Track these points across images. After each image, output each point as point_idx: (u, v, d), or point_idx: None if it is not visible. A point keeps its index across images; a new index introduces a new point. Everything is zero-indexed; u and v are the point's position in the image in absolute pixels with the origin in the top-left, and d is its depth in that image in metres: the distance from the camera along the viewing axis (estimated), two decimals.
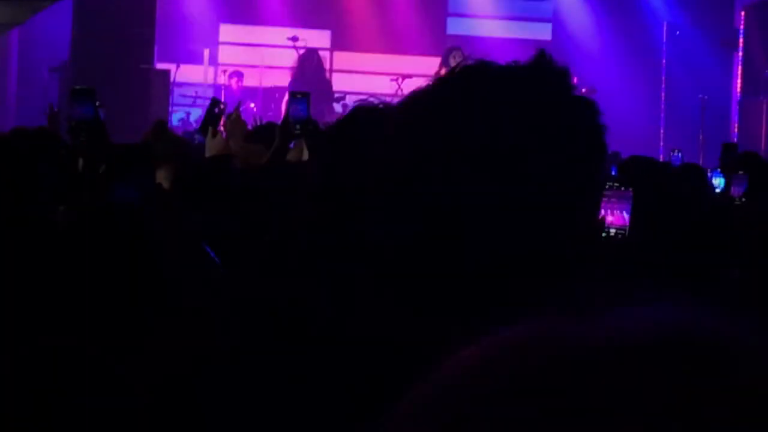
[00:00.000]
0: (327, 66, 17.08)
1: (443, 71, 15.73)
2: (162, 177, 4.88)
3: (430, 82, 1.42)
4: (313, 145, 5.05)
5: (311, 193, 2.09)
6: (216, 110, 6.84)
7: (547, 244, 1.34)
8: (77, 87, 5.95)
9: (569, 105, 1.39)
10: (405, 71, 16.42)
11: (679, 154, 11.63)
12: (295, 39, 16.51)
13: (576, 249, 1.39)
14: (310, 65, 16.27)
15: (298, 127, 5.37)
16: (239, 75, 16.85)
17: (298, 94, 5.59)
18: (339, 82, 17.30)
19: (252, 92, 16.80)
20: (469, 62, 1.40)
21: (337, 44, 17.88)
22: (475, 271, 1.33)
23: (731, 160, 8.32)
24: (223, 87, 16.62)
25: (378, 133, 1.47)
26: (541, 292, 1.31)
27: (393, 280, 1.36)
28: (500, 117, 1.32)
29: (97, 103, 5.68)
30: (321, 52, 17.22)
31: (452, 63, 15.85)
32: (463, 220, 1.32)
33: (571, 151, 1.35)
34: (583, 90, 16.49)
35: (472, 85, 1.36)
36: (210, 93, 16.99)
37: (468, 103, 1.34)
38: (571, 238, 1.36)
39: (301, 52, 16.48)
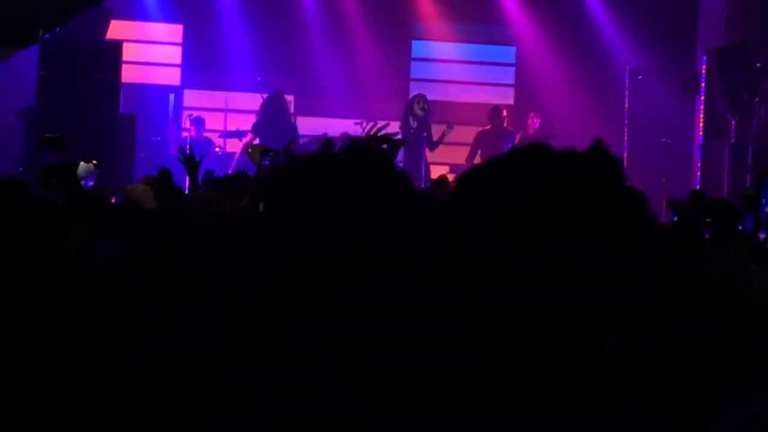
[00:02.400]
0: (292, 109, 17.09)
1: (410, 117, 15.79)
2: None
3: (486, 161, 1.45)
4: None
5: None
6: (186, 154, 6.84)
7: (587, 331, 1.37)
8: (47, 135, 5.91)
9: (621, 195, 1.42)
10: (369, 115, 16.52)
11: None
12: (261, 85, 16.61)
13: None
14: (275, 107, 16.30)
15: None
16: (200, 121, 16.86)
17: (271, 152, 5.61)
18: (304, 127, 17.33)
19: (214, 136, 16.85)
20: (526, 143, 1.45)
21: (301, 90, 17.92)
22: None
23: (699, 207, 8.39)
24: (187, 133, 16.63)
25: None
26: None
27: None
28: (556, 203, 1.34)
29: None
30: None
31: (416, 109, 15.93)
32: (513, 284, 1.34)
33: (618, 237, 1.37)
34: (536, 125, 16.66)
35: (533, 167, 1.38)
36: (173, 138, 16.98)
37: (528, 183, 1.36)
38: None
39: (265, 95, 16.51)
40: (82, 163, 6.24)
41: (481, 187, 1.41)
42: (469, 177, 1.44)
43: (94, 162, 5.72)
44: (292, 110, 17.03)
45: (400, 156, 15.20)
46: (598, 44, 18.64)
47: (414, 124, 15.79)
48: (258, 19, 17.81)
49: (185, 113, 17.17)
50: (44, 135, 5.98)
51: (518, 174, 1.40)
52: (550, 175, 1.38)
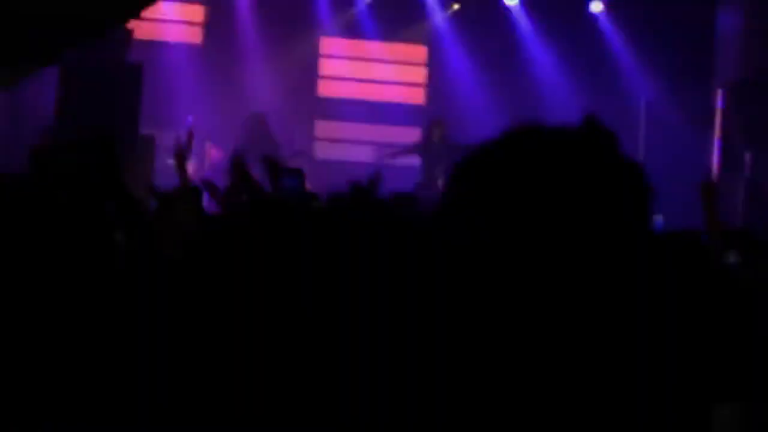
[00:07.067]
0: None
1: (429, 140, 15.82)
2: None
3: (491, 140, 1.45)
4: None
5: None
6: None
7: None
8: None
9: (618, 167, 1.43)
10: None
11: (661, 218, 11.67)
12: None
13: None
14: (255, 128, 16.42)
15: None
16: (217, 146, 16.98)
17: (290, 171, 5.66)
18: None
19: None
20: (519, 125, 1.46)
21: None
22: None
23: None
24: (206, 156, 16.71)
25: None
26: None
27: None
28: (554, 177, 1.35)
29: None
30: None
31: (435, 135, 15.90)
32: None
33: (615, 208, 1.38)
34: None
35: (530, 146, 1.39)
36: (192, 160, 17.00)
37: (524, 161, 1.37)
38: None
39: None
40: None
41: (477, 170, 1.42)
42: (466, 161, 1.46)
43: None
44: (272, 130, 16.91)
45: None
46: (615, 76, 18.68)
47: (431, 146, 15.85)
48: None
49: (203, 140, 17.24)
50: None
51: (513, 154, 1.42)
52: (544, 154, 1.40)
